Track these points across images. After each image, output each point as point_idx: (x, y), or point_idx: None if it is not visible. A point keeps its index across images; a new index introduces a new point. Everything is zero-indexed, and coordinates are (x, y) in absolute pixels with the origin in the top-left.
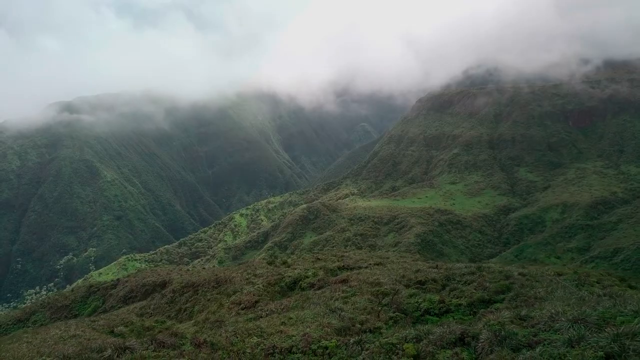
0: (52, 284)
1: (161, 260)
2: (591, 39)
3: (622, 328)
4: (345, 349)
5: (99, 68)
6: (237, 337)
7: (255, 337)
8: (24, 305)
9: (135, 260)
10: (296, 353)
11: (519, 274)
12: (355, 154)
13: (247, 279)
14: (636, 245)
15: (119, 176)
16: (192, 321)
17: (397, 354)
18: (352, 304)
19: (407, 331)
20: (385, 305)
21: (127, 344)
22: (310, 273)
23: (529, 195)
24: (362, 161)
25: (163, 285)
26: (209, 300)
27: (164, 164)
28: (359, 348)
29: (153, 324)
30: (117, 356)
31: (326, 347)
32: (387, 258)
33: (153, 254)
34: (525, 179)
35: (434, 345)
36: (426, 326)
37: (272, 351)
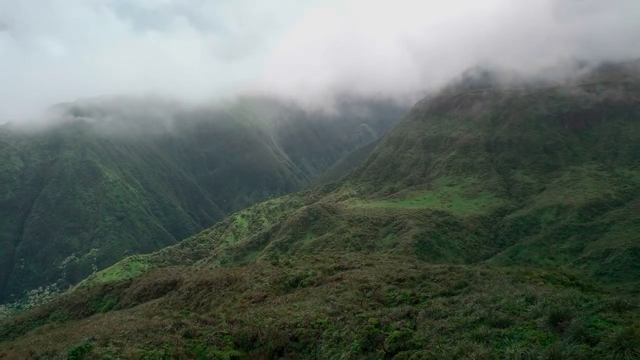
0: (55, 284)
1: (164, 260)
2: (587, 43)
3: (497, 304)
4: (334, 324)
5: (101, 70)
6: (257, 318)
7: (270, 318)
8: (27, 306)
9: (139, 260)
10: (300, 327)
11: (481, 273)
12: (355, 155)
13: (255, 277)
14: (627, 246)
15: (120, 177)
16: (210, 313)
17: (366, 323)
18: (342, 296)
19: (376, 312)
20: (368, 297)
21: (182, 321)
22: (310, 273)
23: (524, 197)
24: (361, 163)
25: (174, 284)
26: (223, 296)
27: (165, 165)
28: (343, 323)
29: (179, 314)
30: (177, 329)
31: (321, 323)
32: (378, 260)
33: (156, 254)
34: (521, 181)
35: (390, 318)
36: (388, 308)
37: (283, 326)
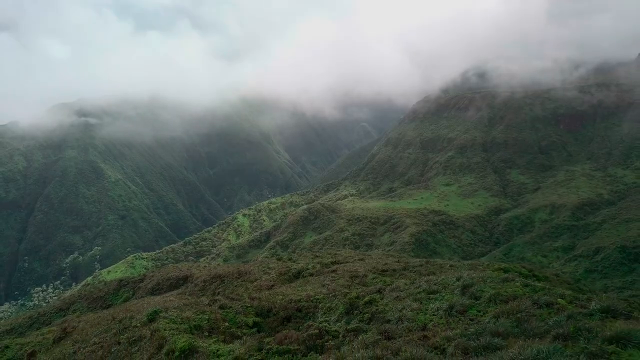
0: (59, 282)
1: (167, 258)
2: (582, 45)
3: (436, 281)
4: (327, 299)
5: (102, 71)
6: (270, 296)
7: (280, 296)
8: (31, 303)
9: (143, 258)
10: (302, 302)
11: (450, 265)
12: (355, 154)
13: (263, 270)
14: (616, 244)
15: (122, 176)
16: (235, 293)
17: (349, 296)
18: (336, 282)
19: (358, 290)
20: (356, 283)
21: (215, 298)
22: (310, 266)
23: (519, 196)
24: (360, 163)
25: (185, 279)
26: (235, 286)
27: (166, 164)
28: (334, 298)
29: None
30: (212, 303)
31: (318, 299)
32: (370, 256)
33: (159, 252)
34: (517, 181)
35: (366, 292)
36: (368, 288)
37: (290, 301)
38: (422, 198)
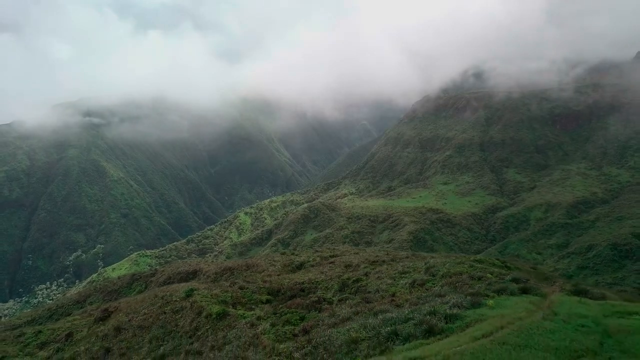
0: (62, 279)
1: (170, 256)
2: (579, 46)
3: (410, 265)
4: (325, 281)
5: (104, 70)
6: (279, 281)
7: (287, 280)
8: (35, 300)
9: (147, 256)
10: (305, 284)
11: (431, 257)
12: (355, 153)
13: (269, 263)
14: (607, 242)
15: (124, 175)
16: (250, 278)
17: (342, 278)
18: (332, 271)
19: (350, 274)
20: (349, 271)
21: (235, 281)
22: (311, 259)
23: (516, 195)
24: (360, 162)
25: (195, 273)
26: (245, 276)
27: (167, 163)
28: (330, 280)
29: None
30: (232, 285)
31: (317, 281)
32: (364, 250)
33: (162, 250)
34: (513, 180)
35: (355, 274)
36: (356, 272)
37: (295, 283)
38: (420, 197)
